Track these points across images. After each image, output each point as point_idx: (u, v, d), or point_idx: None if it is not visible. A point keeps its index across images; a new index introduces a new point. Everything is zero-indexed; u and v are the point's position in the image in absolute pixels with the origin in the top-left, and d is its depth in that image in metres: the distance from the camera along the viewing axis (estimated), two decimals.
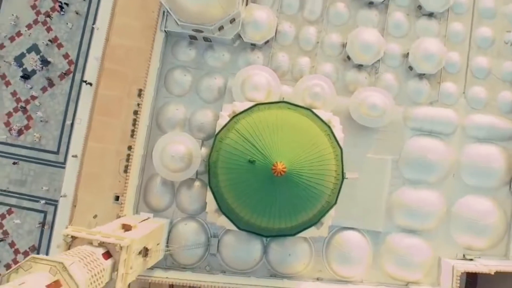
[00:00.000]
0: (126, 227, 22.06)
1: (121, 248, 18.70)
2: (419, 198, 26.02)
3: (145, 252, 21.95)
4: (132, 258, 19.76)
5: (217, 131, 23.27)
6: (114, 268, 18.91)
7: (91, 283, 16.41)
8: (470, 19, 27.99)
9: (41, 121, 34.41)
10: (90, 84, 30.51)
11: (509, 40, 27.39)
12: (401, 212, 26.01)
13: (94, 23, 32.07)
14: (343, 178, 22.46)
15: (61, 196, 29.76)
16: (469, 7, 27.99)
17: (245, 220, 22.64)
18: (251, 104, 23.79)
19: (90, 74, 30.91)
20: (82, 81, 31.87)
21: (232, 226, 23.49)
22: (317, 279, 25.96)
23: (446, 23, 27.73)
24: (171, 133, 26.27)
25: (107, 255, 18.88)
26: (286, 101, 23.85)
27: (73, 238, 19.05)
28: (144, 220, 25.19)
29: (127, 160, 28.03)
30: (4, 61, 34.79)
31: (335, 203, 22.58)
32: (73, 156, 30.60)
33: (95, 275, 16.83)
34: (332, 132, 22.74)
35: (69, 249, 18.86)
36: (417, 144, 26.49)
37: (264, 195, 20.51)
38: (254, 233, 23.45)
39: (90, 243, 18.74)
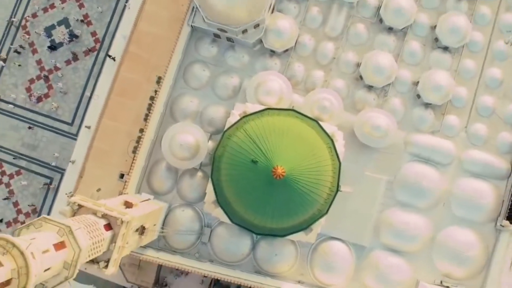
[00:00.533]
0: (128, 204, 23.37)
1: (122, 222, 20.06)
2: (407, 220, 27.06)
3: (141, 230, 23.30)
4: (130, 234, 21.12)
5: (226, 127, 24.57)
6: (113, 240, 20.29)
7: (91, 249, 17.78)
8: (483, 58, 28.96)
9: (60, 92, 35.88)
10: (114, 59, 31.98)
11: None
12: (388, 231, 27.09)
13: (126, 1, 33.43)
14: (337, 190, 23.65)
15: (70, 161, 31.25)
16: (484, 47, 28.97)
17: (240, 215, 23.91)
18: (262, 107, 25.08)
19: (116, 50, 32.50)
20: (106, 55, 33.40)
21: (226, 219, 24.79)
22: (299, 282, 27.12)
23: (459, 59, 28.74)
24: (182, 123, 27.60)
25: (108, 227, 20.27)
26: (295, 109, 25.03)
27: (79, 206, 20.43)
28: (144, 200, 26.55)
29: (137, 141, 29.44)
30: (35, 32, 36.28)
31: (326, 212, 23.79)
32: (86, 126, 32.11)
33: (96, 243, 18.21)
34: (334, 146, 23.90)
35: (73, 216, 20.25)
36: (413, 169, 27.54)
37: (261, 194, 21.80)
38: (246, 229, 24.68)
39: (94, 213, 20.13)
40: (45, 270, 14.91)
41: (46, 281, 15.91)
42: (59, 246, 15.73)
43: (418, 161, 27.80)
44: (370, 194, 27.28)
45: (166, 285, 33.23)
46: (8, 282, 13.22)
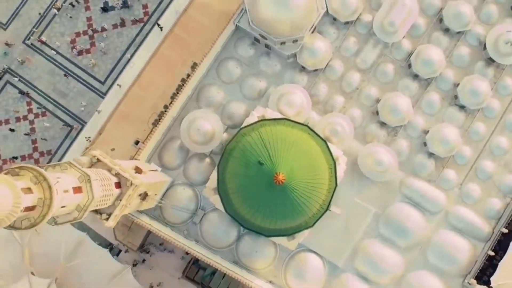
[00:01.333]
0: (138, 170, 25.50)
1: (131, 184, 22.17)
2: (384, 254, 28.68)
3: (144, 196, 25.38)
4: (134, 196, 23.25)
5: (243, 125, 26.53)
6: (118, 197, 22.43)
7: (100, 200, 19.94)
8: (495, 125, 30.33)
9: (101, 51, 38.18)
10: (161, 28, 34.09)
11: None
12: (363, 258, 28.75)
13: None
14: (327, 209, 25.50)
15: (96, 111, 33.57)
16: (498, 115, 30.33)
17: (234, 207, 25.88)
18: (280, 116, 27.01)
19: (165, 21, 34.41)
20: (156, 23, 35.44)
21: (221, 207, 26.78)
22: (270, 282, 28.95)
23: (472, 120, 30.17)
24: (205, 110, 29.61)
25: (118, 185, 22.42)
26: (309, 126, 26.87)
27: (98, 160, 22.60)
28: (153, 170, 28.65)
29: (159, 116, 31.66)
30: None
31: (312, 226, 25.67)
32: (118, 84, 34.28)
33: (105, 196, 20.37)
34: (335, 168, 25.72)
35: (90, 167, 22.43)
36: (402, 209, 29.13)
37: (259, 194, 23.78)
38: (236, 221, 26.60)
39: (109, 170, 22.27)
40: (62, 207, 17.07)
41: (58, 216, 18.09)
42: (77, 190, 17.88)
43: (408, 203, 29.34)
44: (356, 220, 28.97)
45: (148, 251, 35.49)
46: (33, 207, 15.42)
